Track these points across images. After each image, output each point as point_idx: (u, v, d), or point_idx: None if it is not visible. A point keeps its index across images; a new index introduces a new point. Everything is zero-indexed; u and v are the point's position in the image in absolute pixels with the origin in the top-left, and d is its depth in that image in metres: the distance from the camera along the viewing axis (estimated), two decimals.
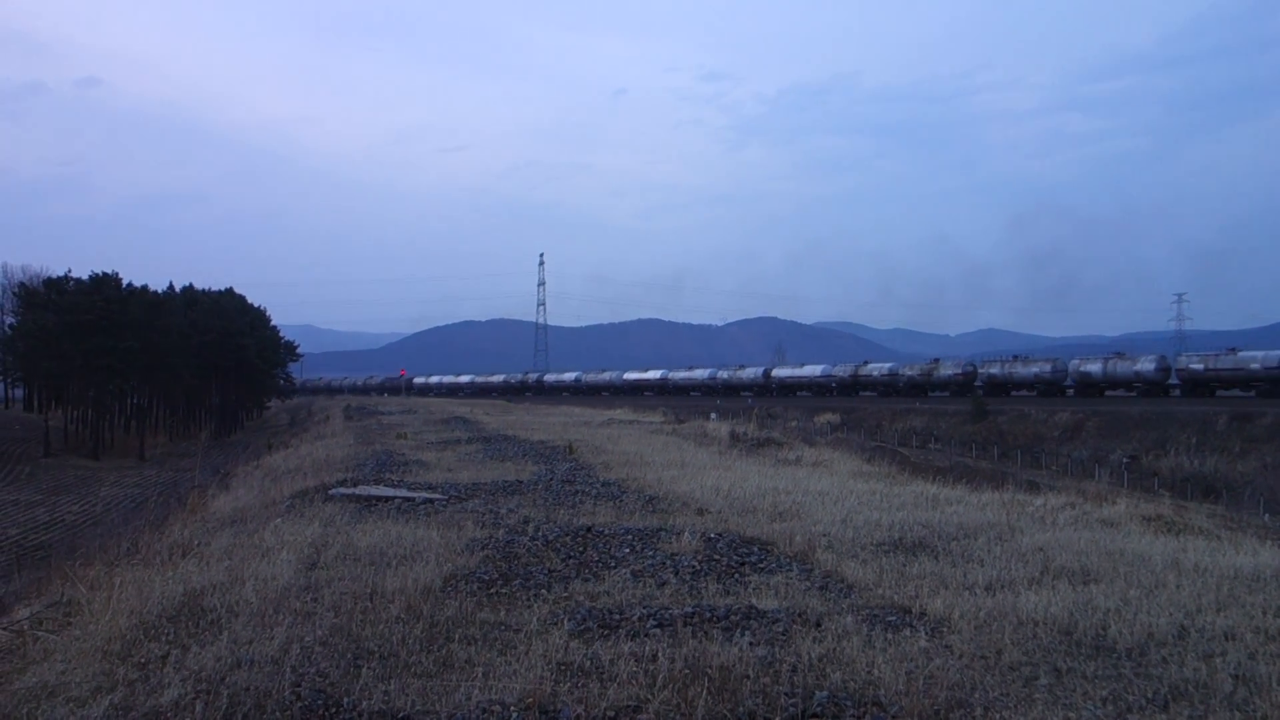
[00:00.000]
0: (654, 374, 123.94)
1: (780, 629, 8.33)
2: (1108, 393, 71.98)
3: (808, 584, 10.25)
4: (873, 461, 28.98)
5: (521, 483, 19.87)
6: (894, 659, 7.37)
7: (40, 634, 9.14)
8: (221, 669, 7.20)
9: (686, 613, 8.80)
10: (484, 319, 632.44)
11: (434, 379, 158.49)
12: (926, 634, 8.17)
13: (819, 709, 6.36)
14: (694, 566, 11.02)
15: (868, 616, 8.74)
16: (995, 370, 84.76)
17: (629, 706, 6.43)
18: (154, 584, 10.34)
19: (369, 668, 7.34)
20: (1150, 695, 6.70)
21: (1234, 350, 67.49)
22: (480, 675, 7.14)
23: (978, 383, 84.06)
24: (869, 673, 7.09)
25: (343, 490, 18.40)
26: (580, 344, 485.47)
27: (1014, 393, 79.08)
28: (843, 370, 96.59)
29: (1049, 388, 77.08)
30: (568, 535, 12.89)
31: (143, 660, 7.72)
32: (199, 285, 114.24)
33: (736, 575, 10.72)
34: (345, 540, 12.82)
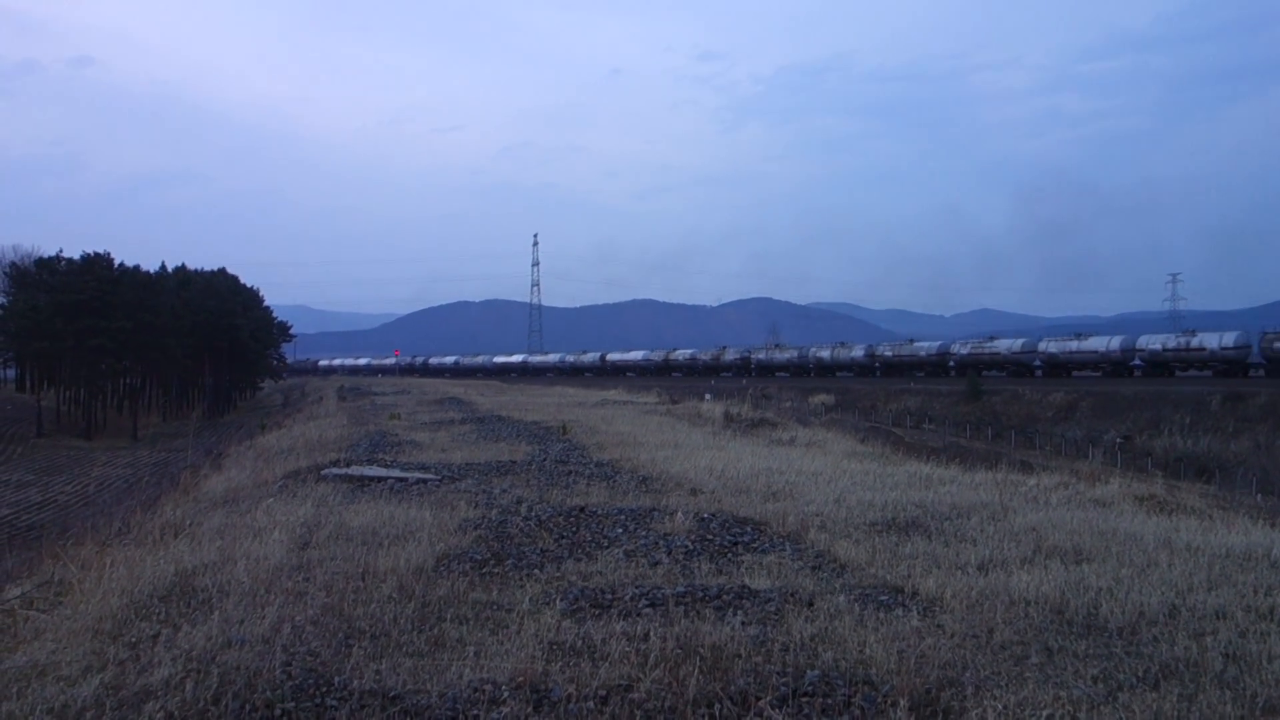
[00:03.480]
0: (516, 358, 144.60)
1: (772, 608, 8.33)
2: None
3: (800, 564, 10.26)
4: (866, 442, 29.04)
5: (515, 463, 19.86)
6: (886, 638, 7.37)
7: (31, 613, 9.11)
8: (212, 648, 7.18)
9: (679, 592, 8.80)
10: (478, 300, 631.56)
11: (335, 361, 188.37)
12: (918, 613, 8.18)
13: (810, 688, 6.36)
14: (687, 546, 11.03)
15: (860, 596, 8.75)
16: (768, 354, 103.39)
17: (620, 685, 6.42)
18: (145, 564, 10.30)
19: (360, 647, 7.33)
20: (1141, 674, 6.71)
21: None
22: (472, 655, 7.13)
23: (751, 366, 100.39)
24: (861, 652, 7.09)
25: (335, 470, 18.37)
26: (574, 325, 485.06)
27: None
28: (657, 355, 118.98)
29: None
30: (561, 515, 12.89)
31: (133, 640, 7.70)
32: (191, 265, 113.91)
33: (729, 555, 10.73)
34: (338, 520, 12.80)
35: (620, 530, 12.00)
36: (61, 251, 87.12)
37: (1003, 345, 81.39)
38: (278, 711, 6.11)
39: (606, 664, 6.84)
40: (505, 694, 6.30)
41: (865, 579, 9.63)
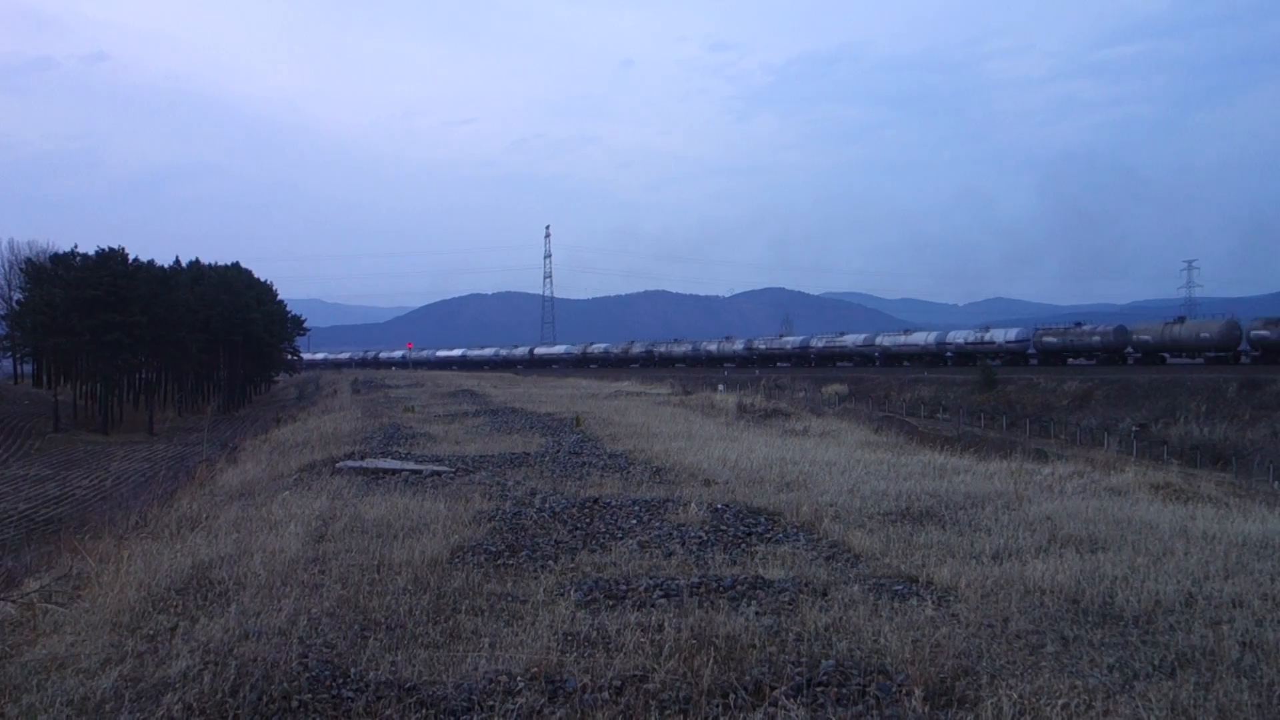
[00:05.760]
0: (456, 352, 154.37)
1: (787, 599, 8.34)
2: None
3: (814, 554, 10.26)
4: (880, 431, 28.97)
5: (529, 455, 19.90)
6: (900, 628, 7.36)
7: (50, 607, 9.19)
8: (229, 640, 7.23)
9: (693, 583, 8.81)
10: (491, 292, 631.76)
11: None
12: (933, 603, 8.17)
13: (825, 678, 6.36)
14: (701, 537, 11.04)
15: (874, 586, 8.74)
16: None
17: (635, 676, 6.44)
18: (163, 557, 10.37)
19: (376, 639, 7.37)
20: (1157, 662, 6.69)
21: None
22: (487, 646, 7.16)
23: (655, 357, 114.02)
24: (875, 641, 7.09)
25: (350, 463, 18.44)
26: (588, 316, 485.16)
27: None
28: (576, 349, 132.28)
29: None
30: (575, 507, 12.91)
31: (151, 632, 7.76)
32: (206, 260, 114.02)
33: (743, 545, 10.73)
34: (353, 513, 12.85)
35: (634, 521, 12.01)
36: (76, 247, 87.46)
37: (849, 340, 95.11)
38: (295, 703, 6.15)
39: (621, 655, 6.85)
40: (520, 685, 6.33)
41: (879, 569, 9.62)
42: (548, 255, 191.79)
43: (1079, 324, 77.20)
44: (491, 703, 6.11)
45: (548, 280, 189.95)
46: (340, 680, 6.48)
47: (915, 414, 56.37)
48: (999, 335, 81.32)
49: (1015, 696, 5.99)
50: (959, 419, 54.26)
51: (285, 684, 6.37)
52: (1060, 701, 5.91)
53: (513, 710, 6.00)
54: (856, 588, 8.64)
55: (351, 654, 7.02)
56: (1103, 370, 66.31)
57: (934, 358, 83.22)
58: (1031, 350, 77.38)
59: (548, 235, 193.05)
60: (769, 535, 11.22)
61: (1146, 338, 70.00)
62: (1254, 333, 63.00)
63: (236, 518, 13.27)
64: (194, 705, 6.12)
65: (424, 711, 6.06)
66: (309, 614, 7.88)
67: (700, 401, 39.54)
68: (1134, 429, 46.46)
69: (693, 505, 12.60)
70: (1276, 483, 32.11)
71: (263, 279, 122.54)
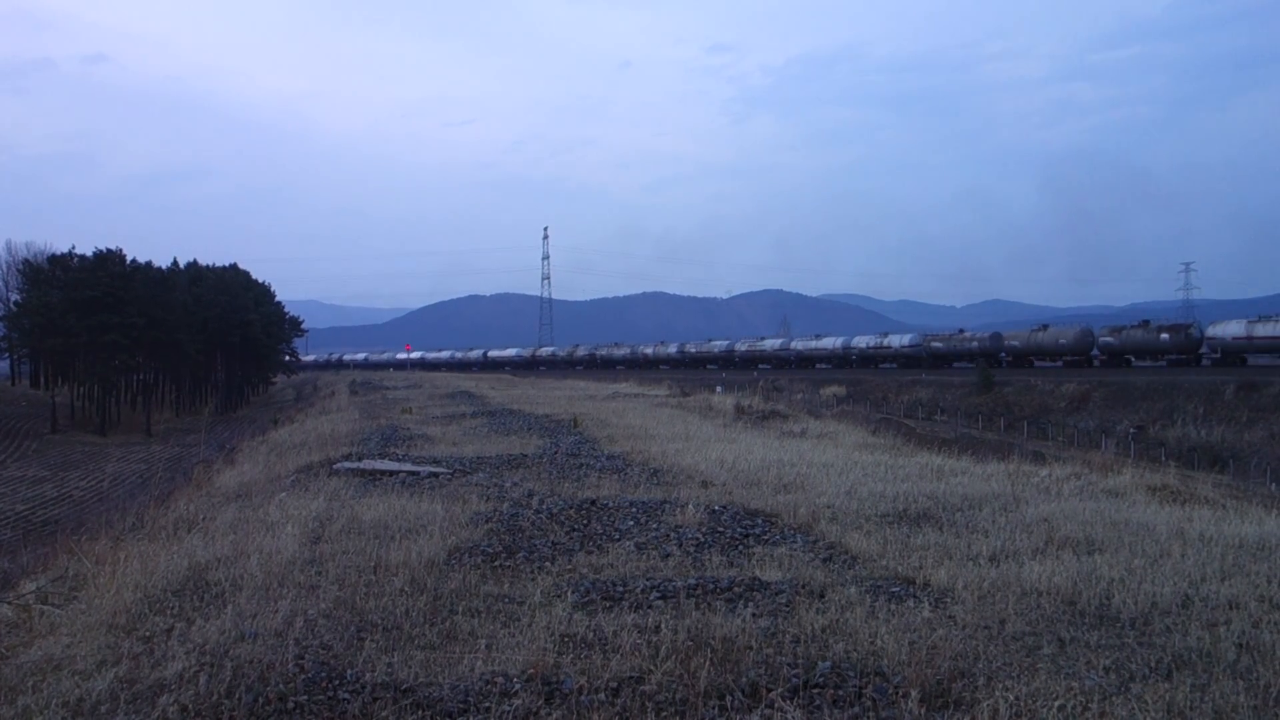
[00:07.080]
0: (415, 354, 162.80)
1: (783, 600, 8.33)
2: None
3: (811, 555, 10.26)
4: (878, 433, 28.96)
5: (526, 456, 19.89)
6: (897, 629, 7.36)
7: (46, 608, 9.18)
8: (225, 642, 7.22)
9: (690, 584, 8.81)
10: (490, 293, 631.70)
11: None
12: (930, 605, 8.17)
13: (821, 679, 6.36)
14: (698, 539, 11.03)
15: (871, 587, 8.74)
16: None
17: (631, 677, 6.43)
18: (159, 558, 10.37)
19: (373, 640, 7.36)
20: (1153, 664, 6.69)
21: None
22: (483, 647, 7.16)
23: (597, 359, 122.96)
24: (872, 643, 7.09)
25: (347, 465, 18.43)
26: (586, 318, 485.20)
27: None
28: (526, 351, 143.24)
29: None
30: (572, 508, 12.90)
31: (147, 634, 7.75)
32: (203, 261, 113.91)
33: (740, 547, 10.73)
34: (350, 514, 12.85)
35: (631, 523, 12.01)
36: (74, 248, 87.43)
37: (768, 345, 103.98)
38: (290, 704, 6.14)
39: (618, 656, 6.85)
40: (517, 686, 6.32)
41: (877, 570, 9.62)
42: (546, 257, 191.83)
43: (961, 331, 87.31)
44: (488, 704, 6.10)
45: (546, 282, 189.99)
46: (336, 682, 6.47)
47: (913, 416, 56.35)
48: (895, 341, 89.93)
49: (1012, 698, 5.99)
50: (957, 421, 54.27)
51: (281, 685, 6.36)
52: (1057, 703, 5.91)
53: (509, 712, 5.99)
54: (853, 589, 8.65)
55: (348, 655, 7.01)
56: (1100, 372, 66.48)
57: (840, 360, 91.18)
58: (924, 354, 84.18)
59: (546, 237, 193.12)
60: (766, 537, 11.22)
61: (1016, 344, 77.55)
62: (1102, 340, 70.32)
63: (233, 519, 13.26)
64: (189, 707, 6.11)
65: (420, 713, 6.05)
66: (305, 615, 7.87)
67: (698, 403, 39.55)
68: (1131, 431, 46.45)
69: (690, 507, 12.59)
70: (1273, 485, 32.12)
71: (261, 280, 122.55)
